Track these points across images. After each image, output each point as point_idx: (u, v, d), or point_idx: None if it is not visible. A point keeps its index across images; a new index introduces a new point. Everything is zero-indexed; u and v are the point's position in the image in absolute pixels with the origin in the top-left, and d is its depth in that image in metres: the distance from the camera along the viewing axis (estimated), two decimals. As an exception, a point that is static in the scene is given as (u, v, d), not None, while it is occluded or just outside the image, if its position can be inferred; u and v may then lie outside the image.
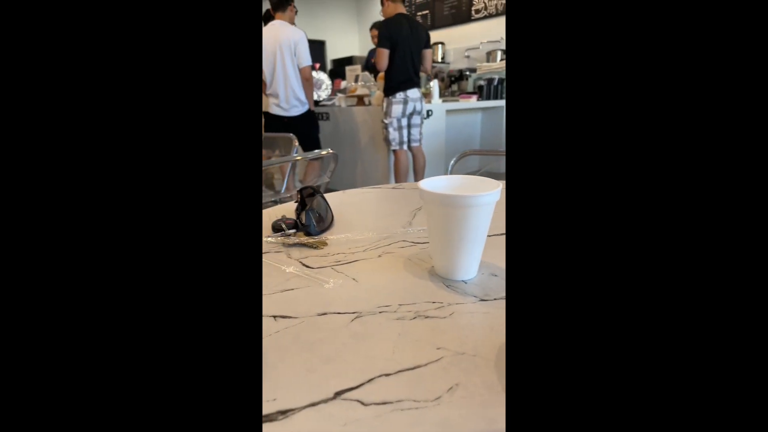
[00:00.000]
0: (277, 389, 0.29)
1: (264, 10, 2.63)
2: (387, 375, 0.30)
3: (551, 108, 0.17)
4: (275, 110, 2.48)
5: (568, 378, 0.16)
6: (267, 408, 0.27)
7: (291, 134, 2.08)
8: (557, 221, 0.17)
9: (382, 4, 2.44)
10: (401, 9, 2.40)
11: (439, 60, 4.88)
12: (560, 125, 0.17)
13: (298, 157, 1.65)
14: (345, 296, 0.41)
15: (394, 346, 0.33)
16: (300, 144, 2.04)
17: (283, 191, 2.08)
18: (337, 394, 0.28)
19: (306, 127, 2.50)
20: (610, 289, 0.16)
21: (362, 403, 0.27)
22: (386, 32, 2.34)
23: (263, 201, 1.89)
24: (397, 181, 2.63)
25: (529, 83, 0.17)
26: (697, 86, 0.16)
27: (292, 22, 2.49)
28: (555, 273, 0.17)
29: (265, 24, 2.54)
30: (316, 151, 1.54)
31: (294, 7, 2.50)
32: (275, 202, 1.92)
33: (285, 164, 2.10)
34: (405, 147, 2.58)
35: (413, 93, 2.45)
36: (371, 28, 3.56)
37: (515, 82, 0.18)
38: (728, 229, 0.15)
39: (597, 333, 0.16)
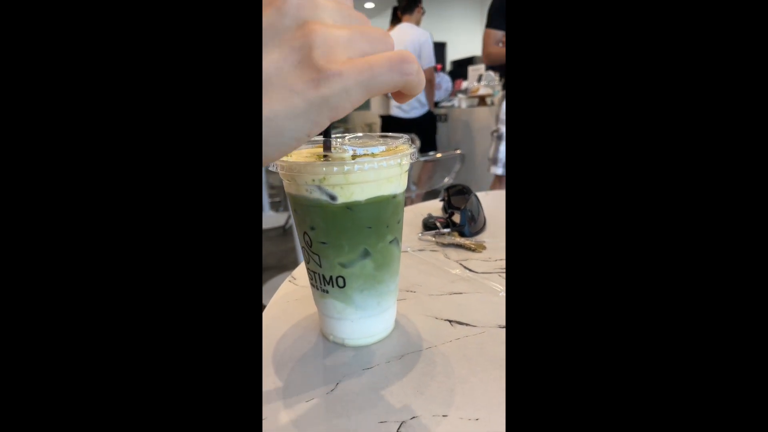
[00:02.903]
0: (478, 407, 0.26)
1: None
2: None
3: (553, 108, 0.17)
4: (396, 112, 2.52)
5: (570, 381, 0.16)
6: (471, 428, 0.24)
7: (413, 135, 2.09)
8: (558, 224, 0.17)
9: None
10: None
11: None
12: (563, 126, 0.17)
13: (437, 156, 1.65)
14: (524, 309, 0.37)
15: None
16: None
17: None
18: (553, 428, 0.24)
19: (424, 129, 2.49)
20: (615, 293, 0.16)
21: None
22: None
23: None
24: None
25: (529, 83, 0.17)
26: (697, 86, 0.15)
27: (419, 24, 2.51)
28: (557, 273, 0.17)
29: (392, 25, 2.61)
30: (448, 152, 1.52)
31: (422, 8, 2.52)
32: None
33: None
34: None
35: None
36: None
37: (515, 82, 0.18)
38: (730, 234, 0.15)
39: (600, 337, 0.16)
